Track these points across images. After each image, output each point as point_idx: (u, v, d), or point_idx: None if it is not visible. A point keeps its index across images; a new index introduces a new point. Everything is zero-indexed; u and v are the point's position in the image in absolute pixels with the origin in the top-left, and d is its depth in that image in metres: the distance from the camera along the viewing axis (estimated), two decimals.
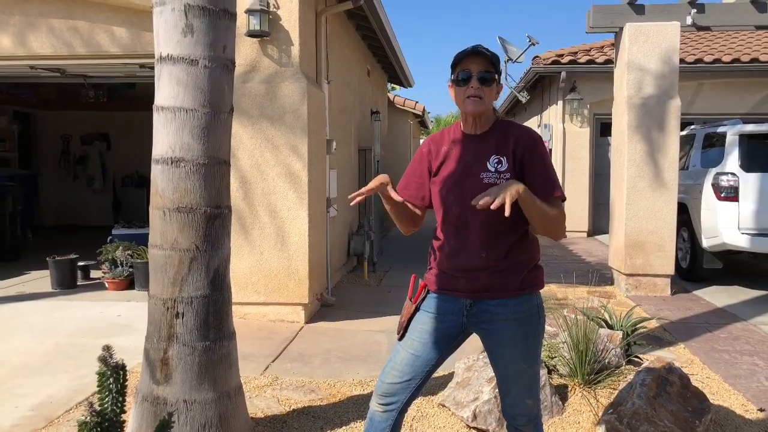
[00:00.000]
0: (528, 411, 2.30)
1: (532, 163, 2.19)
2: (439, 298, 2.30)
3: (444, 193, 2.28)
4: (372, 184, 2.18)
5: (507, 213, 1.90)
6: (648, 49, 6.74)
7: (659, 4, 6.81)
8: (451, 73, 2.24)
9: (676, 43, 6.73)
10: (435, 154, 2.34)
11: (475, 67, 2.18)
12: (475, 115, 2.23)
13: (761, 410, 3.67)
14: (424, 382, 2.34)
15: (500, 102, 16.86)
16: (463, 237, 2.23)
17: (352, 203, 2.17)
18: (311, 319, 5.67)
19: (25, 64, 6.18)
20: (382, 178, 2.21)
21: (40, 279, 7.30)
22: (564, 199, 2.22)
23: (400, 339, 2.36)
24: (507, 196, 1.92)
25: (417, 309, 2.35)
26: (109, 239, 7.47)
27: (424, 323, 2.31)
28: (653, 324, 5.36)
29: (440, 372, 3.98)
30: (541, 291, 2.32)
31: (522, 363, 2.25)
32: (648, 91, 6.77)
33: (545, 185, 2.17)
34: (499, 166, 2.20)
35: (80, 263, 7.16)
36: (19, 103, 11.73)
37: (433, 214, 2.42)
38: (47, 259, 6.91)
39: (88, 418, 1.87)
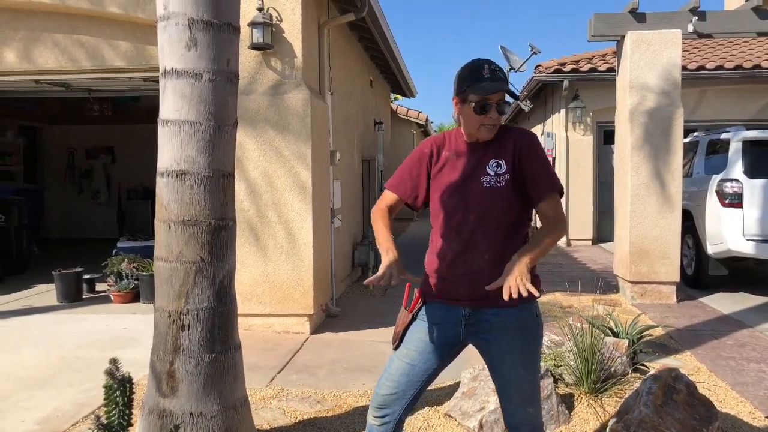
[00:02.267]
0: (530, 420, 2.29)
1: (530, 161, 2.22)
2: (437, 307, 2.29)
3: (445, 198, 2.28)
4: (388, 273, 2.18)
5: (537, 295, 2.02)
6: (650, 57, 6.76)
7: (660, 12, 6.82)
8: (462, 92, 2.20)
9: (678, 51, 6.74)
10: (436, 156, 2.35)
11: (495, 97, 2.18)
12: (487, 140, 2.26)
13: None
14: (420, 393, 2.32)
15: None
16: (465, 240, 2.23)
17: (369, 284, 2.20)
18: (316, 330, 5.67)
19: (30, 79, 6.22)
20: (393, 264, 2.21)
21: (45, 292, 7.31)
22: (562, 193, 2.25)
23: (395, 348, 2.36)
24: (524, 279, 1.98)
25: (413, 318, 2.34)
26: (114, 252, 7.49)
27: (420, 332, 2.30)
28: (659, 332, 5.34)
29: (446, 382, 3.99)
30: (544, 299, 2.33)
31: (522, 371, 2.24)
32: (651, 98, 6.78)
33: (546, 181, 2.21)
34: (498, 169, 2.22)
35: (86, 276, 7.18)
36: (25, 117, 11.81)
37: (425, 219, 2.43)
38: (53, 272, 6.93)
39: (95, 431, 1.88)
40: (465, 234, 2.23)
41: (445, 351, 2.30)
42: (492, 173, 2.22)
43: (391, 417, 2.30)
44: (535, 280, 2.28)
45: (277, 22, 5.38)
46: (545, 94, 13.29)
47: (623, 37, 6.91)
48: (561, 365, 3.94)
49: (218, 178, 2.99)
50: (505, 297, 1.97)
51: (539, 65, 11.72)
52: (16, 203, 8.68)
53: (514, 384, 2.26)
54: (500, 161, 2.23)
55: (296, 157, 5.39)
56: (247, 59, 5.35)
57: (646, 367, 4.29)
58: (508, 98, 2.20)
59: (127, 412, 1.99)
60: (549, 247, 2.13)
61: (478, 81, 2.16)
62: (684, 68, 9.09)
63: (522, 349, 2.23)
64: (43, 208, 12.10)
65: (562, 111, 11.95)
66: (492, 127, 2.21)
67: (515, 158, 2.22)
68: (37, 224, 11.36)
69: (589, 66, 11.35)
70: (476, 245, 2.21)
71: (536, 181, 2.19)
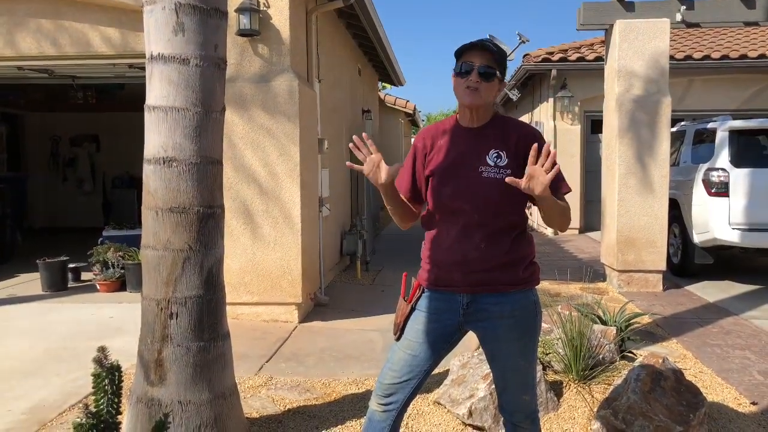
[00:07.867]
0: (525, 407, 2.30)
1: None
2: (435, 296, 2.27)
3: (441, 185, 2.24)
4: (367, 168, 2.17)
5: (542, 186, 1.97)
6: (638, 46, 6.77)
7: (649, 2, 6.82)
8: (455, 63, 2.21)
9: (666, 40, 6.75)
10: (429, 147, 2.31)
11: (478, 61, 2.15)
12: (472, 107, 2.20)
13: (754, 403, 3.69)
14: (423, 381, 2.32)
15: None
16: (461, 228, 2.19)
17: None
18: (305, 318, 5.65)
19: (12, 65, 6.12)
20: (376, 158, 2.17)
21: (30, 282, 7.24)
22: (570, 191, 2.22)
23: (397, 339, 2.35)
24: (539, 185, 1.96)
25: (413, 309, 2.32)
26: (99, 241, 7.43)
27: (420, 323, 2.28)
28: (646, 319, 5.38)
29: (435, 369, 3.99)
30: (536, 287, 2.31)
31: (519, 360, 2.24)
32: (638, 87, 6.80)
33: (555, 181, 2.12)
34: (499, 160, 2.18)
35: (71, 265, 7.11)
36: (7, 105, 11.64)
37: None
38: (37, 261, 6.86)
39: (84, 419, 1.86)
40: (462, 221, 2.19)
41: (444, 340, 2.29)
42: (492, 164, 2.17)
43: (394, 405, 2.30)
44: (533, 268, 2.27)
45: (265, 8, 5.32)
46: (533, 83, 13.31)
47: (612, 25, 6.91)
48: (549, 353, 3.96)
49: (206, 165, 2.96)
50: (523, 184, 1.98)
51: (527, 54, 11.72)
52: None
53: (511, 372, 2.26)
54: (501, 152, 2.18)
55: (283, 145, 5.35)
56: (234, 46, 5.29)
57: (634, 354, 4.33)
58: (494, 70, 2.16)
59: (116, 400, 1.96)
60: (563, 209, 2.13)
61: (462, 47, 2.20)
62: (671, 58, 9.11)
63: (519, 337, 2.22)
64: (27, 196, 11.96)
65: (550, 100, 11.96)
66: (474, 91, 2.16)
67: (519, 154, 2.16)
68: (21, 213, 11.23)
69: (577, 55, 11.36)
70: (474, 233, 2.18)
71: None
